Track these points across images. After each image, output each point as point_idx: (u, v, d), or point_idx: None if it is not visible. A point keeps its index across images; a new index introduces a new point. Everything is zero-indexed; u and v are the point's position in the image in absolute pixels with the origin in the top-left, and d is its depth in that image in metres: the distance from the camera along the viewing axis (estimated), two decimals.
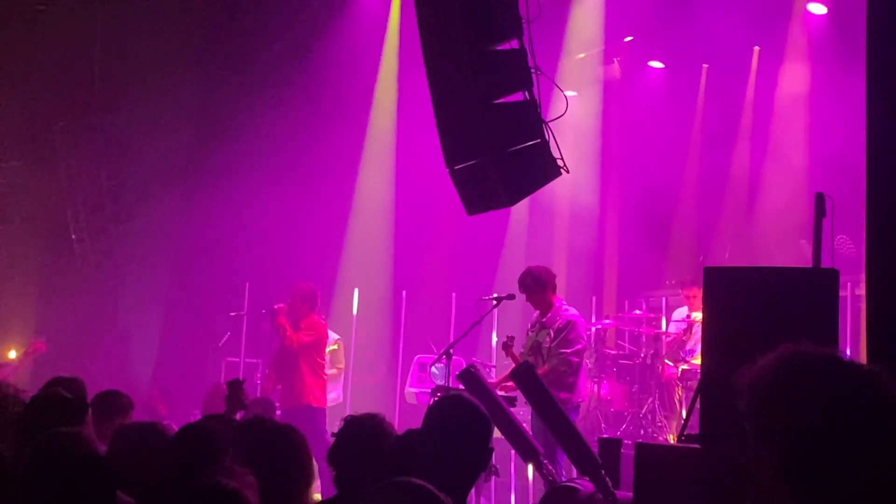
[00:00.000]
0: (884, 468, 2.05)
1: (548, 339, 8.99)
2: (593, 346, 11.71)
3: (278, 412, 10.05)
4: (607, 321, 12.15)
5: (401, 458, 3.66)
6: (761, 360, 2.23)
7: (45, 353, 11.88)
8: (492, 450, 4.04)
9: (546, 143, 7.08)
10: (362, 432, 3.99)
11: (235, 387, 5.91)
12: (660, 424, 10.82)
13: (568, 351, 8.84)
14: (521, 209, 12.92)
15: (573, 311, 9.22)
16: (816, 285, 5.58)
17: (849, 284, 10.81)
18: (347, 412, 10.94)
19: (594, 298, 13.44)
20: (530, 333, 9.27)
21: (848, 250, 10.76)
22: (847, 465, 2.07)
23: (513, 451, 9.34)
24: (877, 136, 4.59)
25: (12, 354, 12.33)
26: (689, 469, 5.68)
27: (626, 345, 12.17)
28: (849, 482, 2.06)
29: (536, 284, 9.14)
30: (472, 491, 3.99)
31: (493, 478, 9.35)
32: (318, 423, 10.21)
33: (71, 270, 13.86)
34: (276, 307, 10.78)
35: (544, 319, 9.11)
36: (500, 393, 8.12)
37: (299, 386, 10.51)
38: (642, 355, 11.40)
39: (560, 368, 8.81)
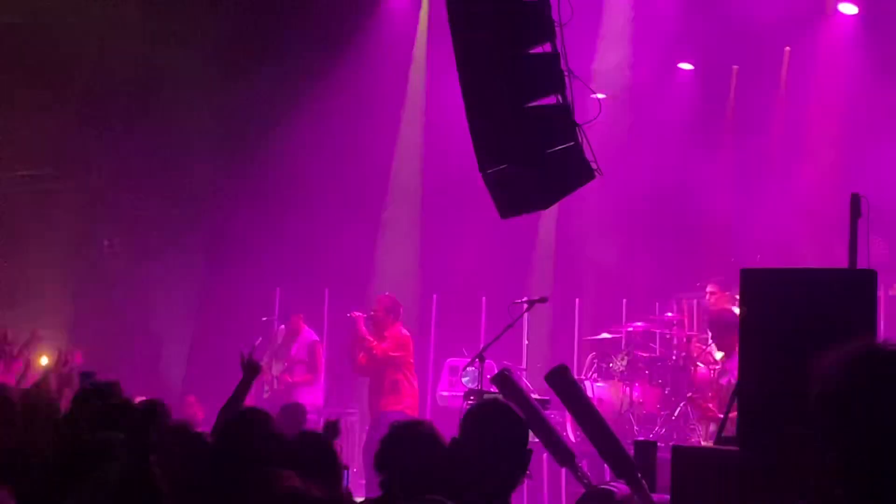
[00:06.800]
0: None
1: None
2: (625, 348, 11.71)
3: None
4: (639, 324, 12.13)
5: (448, 467, 3.69)
6: (838, 352, 2.16)
7: (80, 364, 11.91)
8: (531, 451, 4.07)
9: (579, 146, 7.10)
10: (411, 438, 4.02)
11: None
12: (692, 427, 10.79)
13: None
14: (550, 212, 12.91)
15: None
16: (854, 286, 5.58)
17: (882, 285, 10.75)
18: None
19: (624, 301, 13.43)
20: None
21: (881, 251, 10.71)
22: None
23: (545, 454, 9.35)
24: None
25: (44, 361, 12.38)
26: (726, 471, 5.68)
27: (658, 347, 12.14)
28: None
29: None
30: None
31: (527, 481, 9.36)
32: None
33: (102, 276, 13.95)
34: (353, 315, 11.13)
35: None
36: (534, 396, 8.14)
37: (392, 394, 10.75)
38: (674, 358, 11.37)
39: None
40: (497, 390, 7.52)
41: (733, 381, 9.16)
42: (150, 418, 5.22)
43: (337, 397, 12.49)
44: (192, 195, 13.99)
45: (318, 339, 12.49)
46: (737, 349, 9.16)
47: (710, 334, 10.59)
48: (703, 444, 9.25)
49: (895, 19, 11.79)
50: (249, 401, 11.17)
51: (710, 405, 9.81)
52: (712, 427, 9.82)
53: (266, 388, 12.29)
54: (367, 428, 11.62)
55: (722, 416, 9.40)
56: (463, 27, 7.23)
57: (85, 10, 12.99)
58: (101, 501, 3.62)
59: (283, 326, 12.70)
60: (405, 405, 10.82)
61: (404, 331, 11.30)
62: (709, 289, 11.49)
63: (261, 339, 12.94)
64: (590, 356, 12.26)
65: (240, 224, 13.95)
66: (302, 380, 12.11)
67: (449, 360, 12.68)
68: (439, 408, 12.35)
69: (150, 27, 13.30)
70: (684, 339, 11.70)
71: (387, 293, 11.50)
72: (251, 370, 6.58)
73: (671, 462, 6.07)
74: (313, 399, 11.91)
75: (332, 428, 5.93)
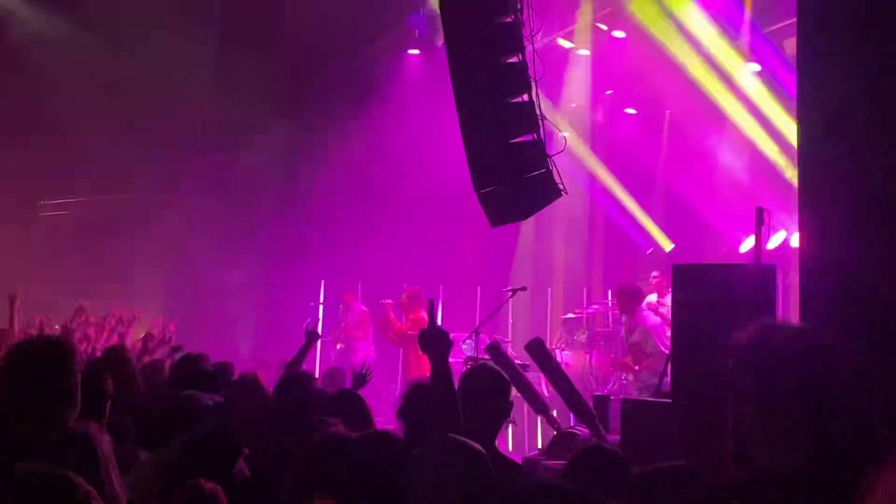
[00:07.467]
0: (839, 420, 2.01)
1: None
2: (586, 325, 11.67)
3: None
4: (596, 306, 12.11)
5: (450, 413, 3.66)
6: (747, 328, 2.17)
7: (174, 332, 11.86)
8: (512, 403, 4.09)
9: (550, 172, 7.07)
10: (422, 393, 4.02)
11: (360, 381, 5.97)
12: (639, 385, 10.70)
13: None
14: (529, 223, 12.86)
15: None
16: (759, 277, 5.56)
17: (779, 275, 10.67)
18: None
19: (585, 289, 13.40)
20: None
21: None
22: (808, 417, 2.02)
23: (525, 406, 9.32)
24: (806, 156, 4.59)
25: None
26: (662, 418, 5.68)
27: (610, 324, 12.09)
28: (809, 430, 2.01)
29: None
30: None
31: (511, 426, 9.35)
32: None
33: (189, 275, 13.94)
34: (383, 302, 11.14)
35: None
36: (517, 361, 8.11)
37: (416, 361, 10.75)
38: (622, 333, 11.30)
39: None
40: (489, 357, 7.50)
41: (638, 336, 9.27)
42: (224, 378, 5.19)
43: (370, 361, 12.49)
44: (259, 212, 14.04)
45: (366, 309, 12.48)
46: (636, 312, 9.34)
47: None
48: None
49: (788, 74, 11.74)
50: (325, 356, 11.38)
51: (627, 360, 9.84)
52: (629, 376, 9.83)
53: (339, 345, 12.39)
54: (394, 386, 11.66)
55: (636, 367, 9.46)
56: (460, 82, 7.21)
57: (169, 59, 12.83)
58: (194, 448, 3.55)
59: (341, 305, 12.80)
60: (426, 372, 10.77)
61: (423, 314, 11.25)
62: (654, 274, 11.42)
63: (310, 319, 12.97)
64: (559, 331, 12.26)
65: (296, 230, 14.03)
66: (356, 335, 12.18)
67: (452, 334, 12.59)
68: None
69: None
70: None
71: (409, 285, 11.48)
72: (311, 337, 6.65)
73: (621, 411, 6.07)
74: (366, 350, 11.88)
75: (360, 380, 6.04)
